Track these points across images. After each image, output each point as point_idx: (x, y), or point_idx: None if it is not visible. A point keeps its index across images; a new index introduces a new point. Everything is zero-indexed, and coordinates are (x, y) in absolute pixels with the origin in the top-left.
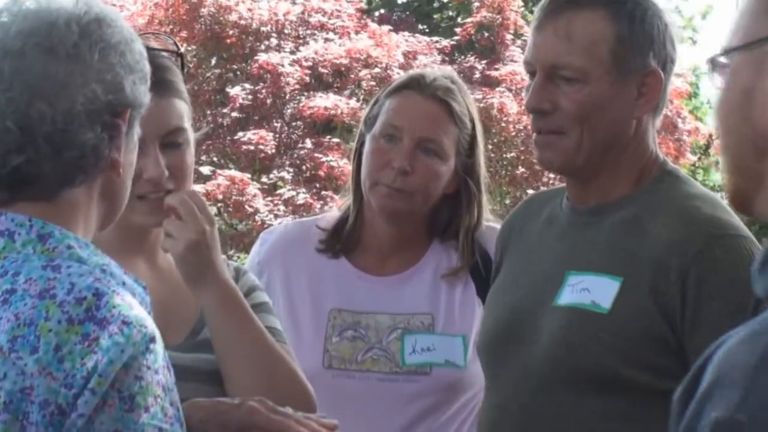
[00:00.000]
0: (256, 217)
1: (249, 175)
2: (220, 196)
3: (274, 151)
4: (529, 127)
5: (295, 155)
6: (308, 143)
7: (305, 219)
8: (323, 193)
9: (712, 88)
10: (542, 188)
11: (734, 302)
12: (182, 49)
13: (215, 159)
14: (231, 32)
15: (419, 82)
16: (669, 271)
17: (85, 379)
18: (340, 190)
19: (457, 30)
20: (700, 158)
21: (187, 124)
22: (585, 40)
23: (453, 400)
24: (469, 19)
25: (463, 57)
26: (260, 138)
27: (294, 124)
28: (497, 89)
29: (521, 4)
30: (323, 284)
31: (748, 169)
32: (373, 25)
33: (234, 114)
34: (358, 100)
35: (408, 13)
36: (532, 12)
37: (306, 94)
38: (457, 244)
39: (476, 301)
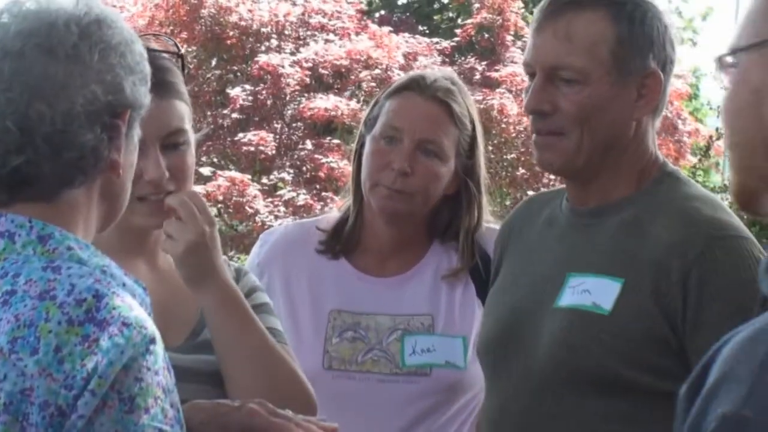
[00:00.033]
0: (257, 218)
1: (249, 176)
2: (221, 197)
3: (274, 152)
4: (529, 128)
5: (296, 156)
6: (308, 144)
7: (305, 220)
8: (323, 194)
9: (712, 89)
10: (542, 189)
11: (735, 303)
12: (182, 51)
13: (215, 160)
14: (231, 33)
15: (419, 84)
16: (670, 273)
17: (85, 380)
18: (341, 191)
19: (458, 31)
20: (700, 160)
21: (188, 125)
22: (585, 41)
23: (453, 401)
24: (469, 21)
25: (463, 58)
26: (260, 139)
27: (294, 125)
28: (497, 90)
29: (521, 5)
30: (323, 285)
31: (757, 168)
32: (373, 27)
33: (234, 115)
34: (358, 102)
35: (408, 14)
36: (532, 13)
37: (306, 95)
38: (457, 245)
39: (476, 302)
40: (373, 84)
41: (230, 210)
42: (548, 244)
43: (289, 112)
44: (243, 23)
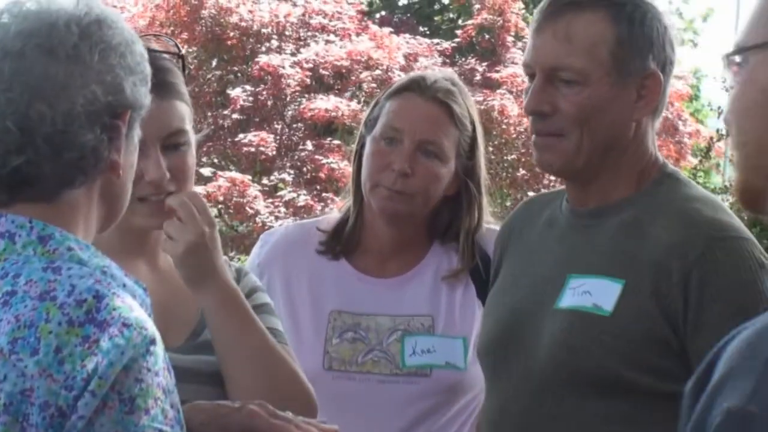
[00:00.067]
0: (257, 219)
1: (250, 177)
2: (221, 198)
3: (274, 152)
4: (529, 129)
5: (296, 157)
6: (309, 145)
7: (306, 221)
8: (324, 194)
9: (713, 90)
10: (543, 190)
11: (736, 304)
12: (183, 51)
13: (216, 161)
14: (232, 34)
15: (420, 84)
16: (670, 274)
17: (86, 381)
18: (341, 192)
19: (458, 32)
20: (701, 161)
21: (188, 125)
22: (585, 42)
23: (453, 402)
24: (469, 21)
25: (463, 59)
26: (261, 140)
27: (295, 125)
28: (498, 91)
29: (522, 6)
30: (323, 286)
31: (764, 168)
32: (374, 27)
33: (235, 116)
34: (358, 102)
35: (409, 15)
36: (533, 14)
37: (307, 96)
38: (458, 246)
39: (476, 303)
40: (374, 85)
41: (231, 211)
42: (548, 245)
43: (290, 112)
44: (243, 24)
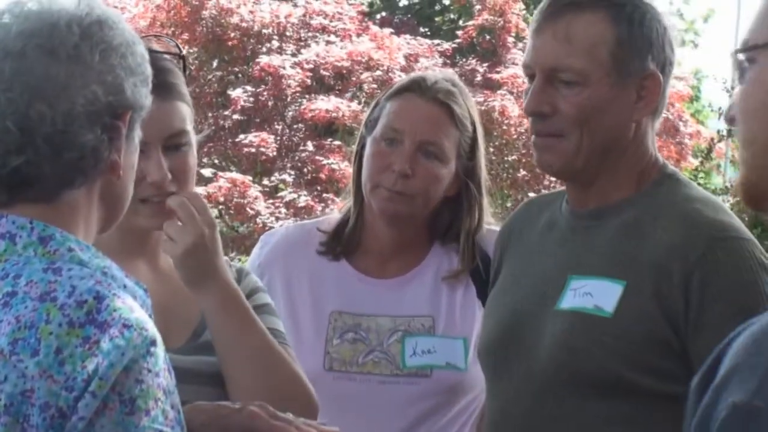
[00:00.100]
0: (257, 220)
1: (250, 178)
2: (222, 199)
3: (275, 153)
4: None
5: (297, 158)
6: (309, 146)
7: (306, 222)
8: (324, 195)
9: (714, 91)
10: (544, 191)
11: (737, 304)
12: (184, 52)
13: (216, 161)
14: (232, 35)
15: (420, 85)
16: (671, 275)
17: (86, 382)
18: (342, 192)
19: (459, 33)
20: (702, 162)
21: (190, 126)
22: (585, 43)
23: (454, 403)
24: (470, 22)
25: (464, 60)
26: (261, 140)
27: (295, 126)
28: (499, 92)
29: (523, 6)
30: (324, 287)
31: None
32: (374, 28)
33: (235, 116)
34: (359, 103)
35: (409, 15)
36: (533, 15)
37: (307, 96)
38: (458, 247)
39: (477, 303)
40: (374, 85)
41: (231, 211)
42: (548, 246)
43: (290, 113)
44: (244, 24)
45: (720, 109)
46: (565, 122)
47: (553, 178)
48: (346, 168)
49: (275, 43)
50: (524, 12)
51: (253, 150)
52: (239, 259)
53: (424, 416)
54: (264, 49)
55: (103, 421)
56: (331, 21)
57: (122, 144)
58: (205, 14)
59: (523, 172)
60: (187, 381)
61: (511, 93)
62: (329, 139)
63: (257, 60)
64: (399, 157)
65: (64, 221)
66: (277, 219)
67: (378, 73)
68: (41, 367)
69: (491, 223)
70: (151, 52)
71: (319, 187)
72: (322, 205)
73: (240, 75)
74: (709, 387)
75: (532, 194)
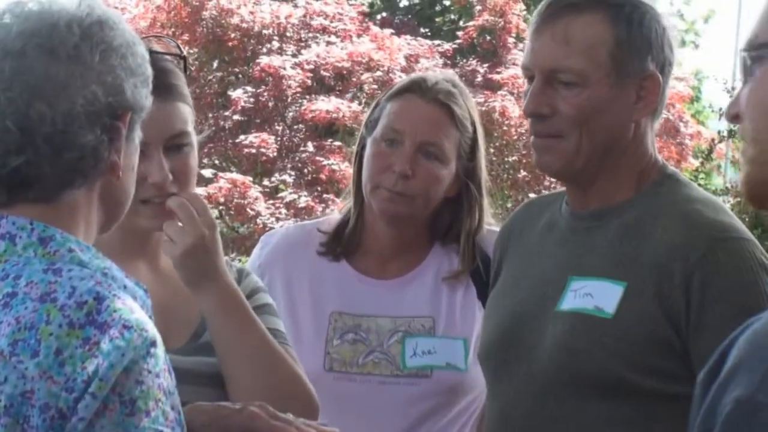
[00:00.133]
0: (258, 220)
1: (251, 178)
2: (222, 199)
3: (275, 154)
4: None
5: (297, 158)
6: (310, 146)
7: (306, 222)
8: (325, 196)
9: (714, 91)
10: (544, 192)
11: (738, 305)
12: (184, 53)
13: (217, 162)
14: (233, 35)
15: (420, 86)
16: (672, 275)
17: (86, 383)
18: (342, 193)
19: (459, 33)
20: (702, 163)
21: (191, 127)
22: (584, 44)
23: (454, 403)
24: (471, 23)
25: (465, 60)
26: (262, 141)
27: (296, 127)
28: (499, 93)
29: (523, 7)
30: (324, 287)
31: None
32: (375, 29)
33: (236, 117)
34: (359, 104)
35: (410, 16)
36: None
37: (308, 97)
38: (458, 248)
39: (477, 304)
40: (375, 86)
41: (231, 212)
42: (549, 247)
43: (291, 114)
44: (244, 25)
45: (721, 110)
46: (564, 123)
47: (553, 179)
48: (347, 169)
49: (275, 44)
50: (525, 13)
51: (254, 151)
52: (239, 260)
53: (425, 417)
54: (264, 50)
55: (103, 422)
56: (331, 22)
57: (122, 145)
58: (205, 15)
59: (523, 173)
60: (187, 382)
61: (512, 94)
62: (329, 140)
63: (257, 61)
64: (399, 157)
65: (64, 222)
66: (278, 220)
67: (378, 73)
68: (41, 368)
69: (491, 224)
70: (151, 52)
71: (319, 188)
72: (323, 205)
73: (240, 76)
74: (714, 382)
75: (532, 195)
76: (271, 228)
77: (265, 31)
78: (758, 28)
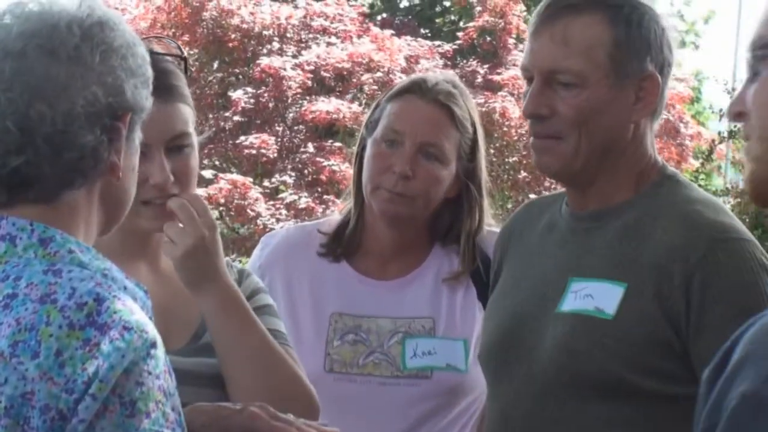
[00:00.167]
0: (258, 221)
1: (251, 179)
2: (222, 200)
3: (276, 155)
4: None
5: (297, 159)
6: (310, 147)
7: (307, 223)
8: (325, 197)
9: (714, 92)
10: (544, 193)
11: (738, 306)
12: (185, 53)
13: (217, 163)
14: (233, 36)
15: (421, 87)
16: (672, 276)
17: (86, 384)
18: (342, 194)
19: (460, 34)
20: (702, 163)
21: (192, 128)
22: (582, 45)
23: (454, 404)
24: (471, 24)
25: (465, 61)
26: (262, 142)
27: (296, 128)
28: (499, 93)
29: (523, 8)
30: (324, 288)
31: None
32: (375, 29)
33: (236, 118)
34: (360, 105)
35: (410, 17)
36: None
37: (308, 98)
38: (459, 249)
39: (477, 305)
40: (375, 87)
41: (232, 213)
42: (549, 248)
43: (291, 115)
44: (245, 26)
45: (721, 110)
46: (563, 124)
47: (553, 180)
48: (347, 169)
49: (276, 45)
50: (525, 13)
51: (254, 151)
52: (240, 261)
53: (425, 417)
54: (265, 51)
55: (103, 423)
56: (331, 22)
57: (122, 145)
58: (205, 16)
59: (523, 174)
60: (187, 383)
61: (512, 94)
62: (330, 141)
63: (258, 61)
64: (399, 158)
65: (64, 222)
66: (278, 220)
67: (379, 74)
68: (41, 369)
69: (492, 225)
70: (152, 53)
71: (319, 189)
72: (323, 206)
73: (240, 76)
74: (719, 378)
75: (532, 196)
76: (272, 229)
77: (265, 32)
78: (763, 28)
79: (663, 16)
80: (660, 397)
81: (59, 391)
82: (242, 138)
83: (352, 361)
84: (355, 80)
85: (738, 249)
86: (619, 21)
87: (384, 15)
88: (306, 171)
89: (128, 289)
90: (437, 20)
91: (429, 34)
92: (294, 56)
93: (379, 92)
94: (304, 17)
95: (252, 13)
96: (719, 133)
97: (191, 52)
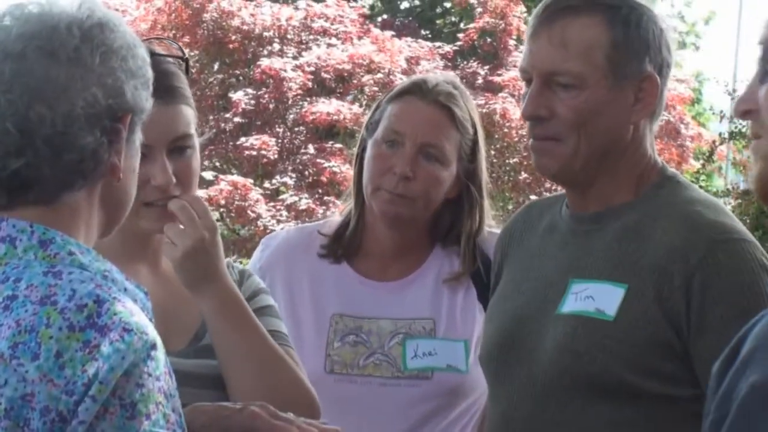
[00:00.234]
0: (259, 223)
1: (251, 181)
2: (223, 202)
3: (276, 156)
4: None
5: (298, 160)
6: (311, 148)
7: (307, 224)
8: (326, 198)
9: (715, 93)
10: (545, 194)
11: (738, 306)
12: (186, 54)
13: (218, 164)
14: (234, 37)
15: (421, 88)
16: (672, 277)
17: (86, 386)
18: (343, 195)
19: (460, 35)
20: (703, 164)
21: (193, 129)
22: (581, 46)
23: (455, 405)
24: (471, 25)
25: (465, 62)
26: (263, 143)
27: (296, 129)
28: (500, 95)
29: (524, 9)
30: (325, 289)
31: None
32: (375, 31)
33: (236, 119)
34: (360, 106)
35: (411, 18)
36: None
37: (308, 99)
38: (459, 250)
39: (477, 306)
40: (376, 88)
41: (232, 214)
42: (549, 250)
43: (292, 116)
44: (245, 27)
45: (722, 112)
46: (562, 126)
47: (553, 181)
48: (348, 171)
49: (276, 46)
50: (525, 15)
51: (254, 153)
52: (240, 262)
53: (425, 418)
54: (265, 52)
55: (103, 425)
56: (332, 24)
57: (122, 147)
58: (206, 17)
59: (524, 175)
60: (188, 384)
61: (513, 96)
62: (330, 142)
63: (258, 63)
64: (400, 159)
65: (64, 224)
66: (278, 222)
67: (379, 75)
68: (41, 371)
69: (492, 226)
70: (153, 55)
71: (320, 190)
72: (324, 207)
73: (241, 78)
74: (729, 370)
75: (533, 197)
76: (272, 230)
77: (265, 34)
78: None
79: (661, 17)
80: (660, 399)
81: (59, 393)
82: (243, 139)
83: (352, 362)
84: (355, 81)
85: (738, 250)
86: (617, 22)
87: (384, 16)
88: (306, 172)
89: (128, 291)
90: (438, 21)
91: (429, 36)
92: (294, 57)
93: (380, 93)
94: (305, 18)
95: (252, 15)
96: (720, 134)
97: (192, 54)
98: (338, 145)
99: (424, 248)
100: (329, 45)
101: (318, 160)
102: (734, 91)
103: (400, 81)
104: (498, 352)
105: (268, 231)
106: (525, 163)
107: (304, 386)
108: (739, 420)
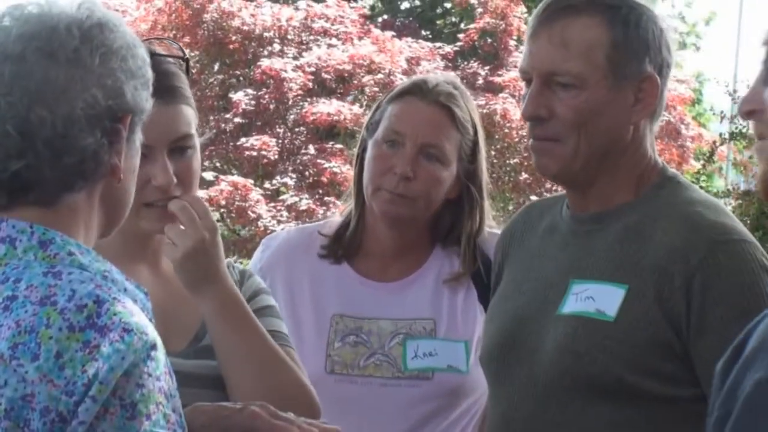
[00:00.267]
0: (259, 223)
1: (252, 181)
2: (223, 202)
3: (276, 156)
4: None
5: (298, 161)
6: (311, 149)
7: (308, 225)
8: (326, 198)
9: (715, 93)
10: (545, 194)
11: (739, 307)
12: (187, 54)
13: (218, 164)
14: (234, 38)
15: (421, 88)
16: (673, 278)
17: (86, 386)
18: (343, 195)
19: (461, 36)
20: (704, 165)
21: (194, 129)
22: (581, 46)
23: (455, 405)
24: (472, 25)
25: (466, 63)
26: (263, 144)
27: (297, 129)
28: (500, 95)
29: (524, 9)
30: (325, 290)
31: None
32: (376, 31)
33: (237, 120)
34: (361, 106)
35: (411, 18)
36: None
37: (309, 99)
38: (459, 250)
39: (478, 306)
40: (376, 88)
41: (233, 215)
42: (550, 251)
43: (292, 116)
44: (246, 28)
45: (722, 112)
46: (562, 126)
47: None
48: (348, 171)
49: (276, 47)
50: (526, 15)
51: (255, 153)
52: (241, 263)
53: (426, 419)
54: (265, 53)
55: (104, 425)
56: (332, 24)
57: (123, 147)
58: (206, 17)
59: (524, 175)
60: (188, 384)
61: (513, 96)
62: (331, 143)
63: (259, 63)
64: (400, 159)
65: (64, 225)
66: (279, 222)
67: (379, 76)
68: (41, 371)
69: (492, 226)
70: (154, 55)
71: (320, 191)
72: (324, 208)
73: (241, 78)
74: (733, 368)
75: (533, 197)
76: (272, 231)
77: (266, 34)
78: None
79: (661, 17)
80: (661, 399)
81: (59, 393)
82: (243, 140)
83: (353, 362)
84: (356, 82)
85: (738, 250)
86: (617, 22)
87: (385, 17)
88: (307, 173)
89: (128, 291)
90: (438, 22)
91: (430, 36)
92: (295, 58)
93: (380, 94)
94: (305, 19)
95: (253, 15)
96: (720, 134)
97: (192, 54)
98: (339, 146)
99: (424, 249)
100: (329, 45)
101: (318, 161)
102: (735, 91)
103: (401, 81)
104: (498, 353)
105: (268, 231)
106: (525, 163)
107: (304, 387)
108: (744, 416)
